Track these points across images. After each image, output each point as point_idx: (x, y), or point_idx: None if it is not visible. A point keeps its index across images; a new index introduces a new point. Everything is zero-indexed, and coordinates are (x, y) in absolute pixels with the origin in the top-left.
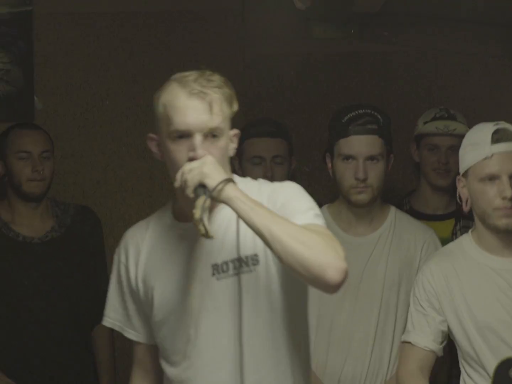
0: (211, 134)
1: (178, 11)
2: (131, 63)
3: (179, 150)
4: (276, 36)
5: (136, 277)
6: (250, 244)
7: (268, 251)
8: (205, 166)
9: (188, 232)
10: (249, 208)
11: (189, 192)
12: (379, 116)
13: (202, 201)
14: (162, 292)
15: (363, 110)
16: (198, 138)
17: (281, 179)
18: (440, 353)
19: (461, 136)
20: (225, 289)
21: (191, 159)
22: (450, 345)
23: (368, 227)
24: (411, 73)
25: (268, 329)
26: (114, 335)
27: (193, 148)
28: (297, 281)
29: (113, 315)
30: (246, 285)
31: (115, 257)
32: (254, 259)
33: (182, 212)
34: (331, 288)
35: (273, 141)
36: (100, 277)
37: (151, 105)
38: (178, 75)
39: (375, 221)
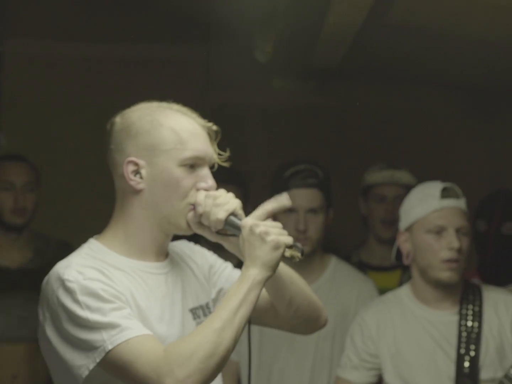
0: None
1: (144, 59)
2: (95, 108)
3: (188, 178)
4: (238, 86)
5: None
6: (205, 292)
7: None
8: (233, 198)
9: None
10: None
11: (221, 216)
12: (318, 171)
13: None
14: None
15: (303, 166)
16: (208, 170)
17: None
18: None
19: (407, 186)
20: None
21: (203, 190)
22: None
23: (308, 279)
24: (368, 127)
25: None
26: None
27: (204, 179)
28: None
29: None
30: None
31: None
32: (209, 308)
33: (144, 249)
34: (320, 328)
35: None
36: None
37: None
38: (164, 104)
39: (315, 273)
